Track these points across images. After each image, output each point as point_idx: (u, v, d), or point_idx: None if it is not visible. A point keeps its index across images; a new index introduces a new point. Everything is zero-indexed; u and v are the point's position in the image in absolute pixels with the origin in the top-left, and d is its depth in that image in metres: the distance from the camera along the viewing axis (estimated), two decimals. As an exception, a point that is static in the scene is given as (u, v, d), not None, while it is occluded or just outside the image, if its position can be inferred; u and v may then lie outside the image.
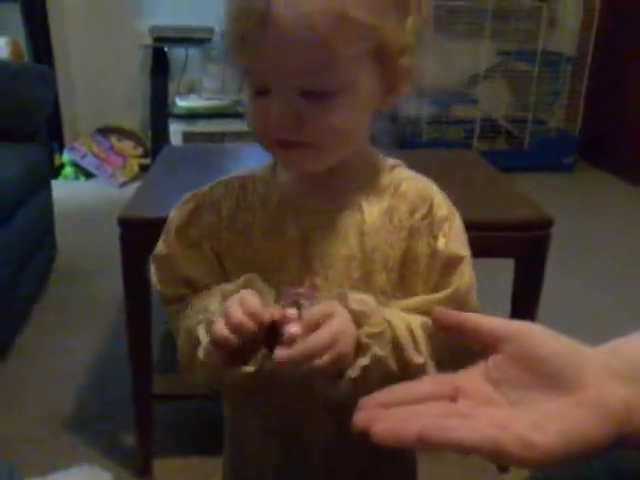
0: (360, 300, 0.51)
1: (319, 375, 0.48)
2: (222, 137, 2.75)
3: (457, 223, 0.59)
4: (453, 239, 0.57)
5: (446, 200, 0.59)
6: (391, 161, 0.62)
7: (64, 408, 1.36)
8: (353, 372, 0.49)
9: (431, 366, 0.53)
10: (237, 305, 0.48)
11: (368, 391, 0.38)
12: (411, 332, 0.53)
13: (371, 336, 0.50)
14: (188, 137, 2.77)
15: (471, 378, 0.37)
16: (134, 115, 3.01)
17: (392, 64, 0.52)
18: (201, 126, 2.77)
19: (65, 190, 2.58)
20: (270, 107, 0.51)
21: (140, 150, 2.94)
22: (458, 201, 0.59)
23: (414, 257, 0.57)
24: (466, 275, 0.57)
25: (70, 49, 2.84)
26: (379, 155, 0.62)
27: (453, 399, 0.36)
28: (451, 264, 0.57)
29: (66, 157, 2.79)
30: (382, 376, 0.50)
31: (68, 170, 2.79)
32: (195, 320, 0.55)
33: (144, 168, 2.88)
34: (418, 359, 0.52)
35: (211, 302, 0.54)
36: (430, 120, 2.97)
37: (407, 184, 0.59)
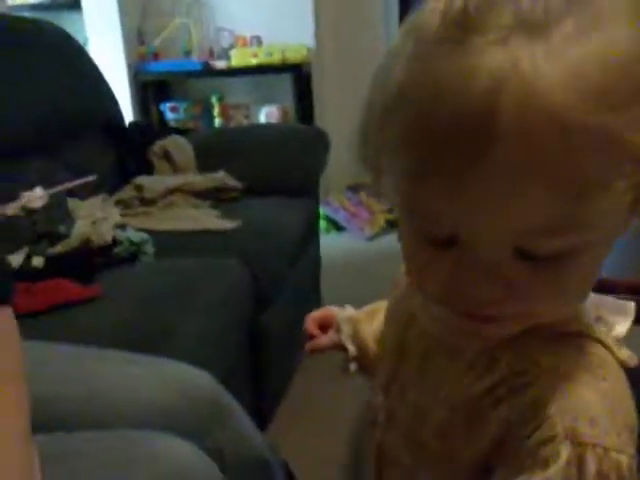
0: None
1: None
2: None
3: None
4: None
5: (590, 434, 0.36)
6: (576, 324, 0.40)
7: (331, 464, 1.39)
8: None
9: None
10: None
11: None
12: None
13: None
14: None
15: None
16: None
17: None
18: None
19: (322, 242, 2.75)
20: (459, 268, 0.35)
21: (386, 205, 3.03)
22: None
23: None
24: None
25: (326, 112, 3.07)
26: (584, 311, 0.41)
27: None
28: None
29: (322, 211, 2.99)
30: None
31: (322, 223, 2.98)
32: None
33: (389, 222, 2.95)
34: None
35: None
36: None
37: (551, 377, 0.37)
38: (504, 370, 0.39)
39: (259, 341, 1.44)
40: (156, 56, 2.92)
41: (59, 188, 1.32)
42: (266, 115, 3.03)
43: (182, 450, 0.65)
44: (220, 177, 1.80)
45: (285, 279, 1.60)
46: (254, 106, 3.04)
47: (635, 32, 0.29)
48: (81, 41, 2.25)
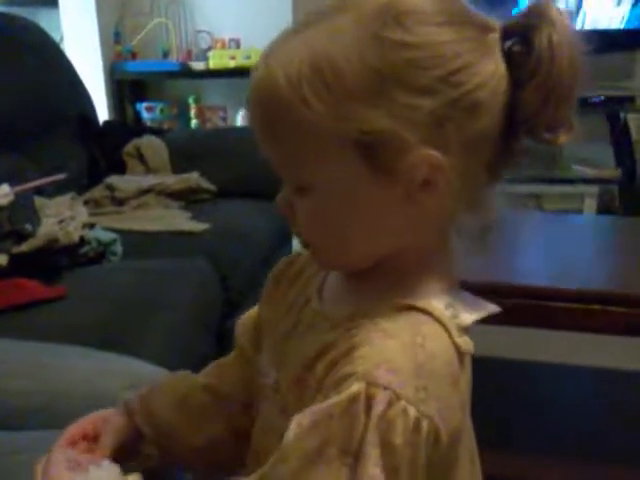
0: None
1: None
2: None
3: (342, 403, 0.40)
4: (310, 413, 0.41)
5: (379, 373, 0.40)
6: (423, 302, 0.45)
7: None
8: None
9: None
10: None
11: None
12: None
13: None
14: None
15: None
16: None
17: (389, 162, 0.43)
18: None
19: (294, 247, 2.75)
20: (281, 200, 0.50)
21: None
22: None
23: None
24: (285, 467, 0.41)
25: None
26: (427, 284, 0.47)
27: None
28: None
29: (296, 215, 3.00)
30: None
31: (296, 227, 2.99)
32: None
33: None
34: None
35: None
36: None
37: (366, 333, 0.43)
38: (340, 329, 0.46)
39: (227, 345, 1.44)
40: (134, 55, 2.90)
41: (26, 186, 1.30)
42: (243, 118, 3.02)
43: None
44: (194, 178, 1.80)
45: (255, 283, 1.59)
46: (231, 108, 3.03)
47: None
48: (56, 38, 2.23)
